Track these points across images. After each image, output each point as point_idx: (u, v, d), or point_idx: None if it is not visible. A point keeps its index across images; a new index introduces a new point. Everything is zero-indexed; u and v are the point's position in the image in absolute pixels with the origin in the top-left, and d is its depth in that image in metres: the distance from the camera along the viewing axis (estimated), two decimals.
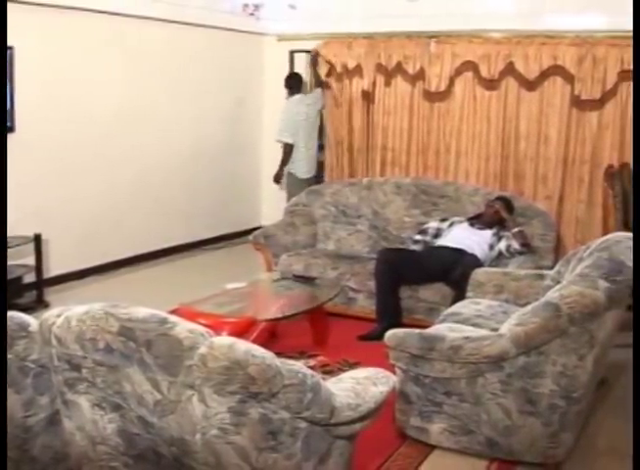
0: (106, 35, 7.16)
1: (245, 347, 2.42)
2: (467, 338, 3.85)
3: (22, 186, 6.32)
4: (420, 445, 4.06)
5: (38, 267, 6.51)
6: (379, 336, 4.73)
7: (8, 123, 6.23)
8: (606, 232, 5.49)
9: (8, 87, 6.19)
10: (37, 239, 6.47)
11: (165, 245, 8.25)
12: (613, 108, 7.17)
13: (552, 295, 3.82)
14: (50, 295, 6.66)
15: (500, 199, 6.47)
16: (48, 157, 6.69)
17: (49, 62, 6.56)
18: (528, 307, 3.88)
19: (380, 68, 8.26)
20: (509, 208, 6.38)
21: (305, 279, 6.02)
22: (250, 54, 8.94)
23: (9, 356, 2.64)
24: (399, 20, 7.90)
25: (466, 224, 6.40)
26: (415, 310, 5.98)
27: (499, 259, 6.14)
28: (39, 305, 6.39)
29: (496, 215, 6.32)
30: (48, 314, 2.69)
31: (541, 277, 5.02)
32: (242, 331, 4.78)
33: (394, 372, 3.87)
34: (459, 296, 5.45)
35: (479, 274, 5.46)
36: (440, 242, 6.31)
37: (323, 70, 8.57)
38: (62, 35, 6.71)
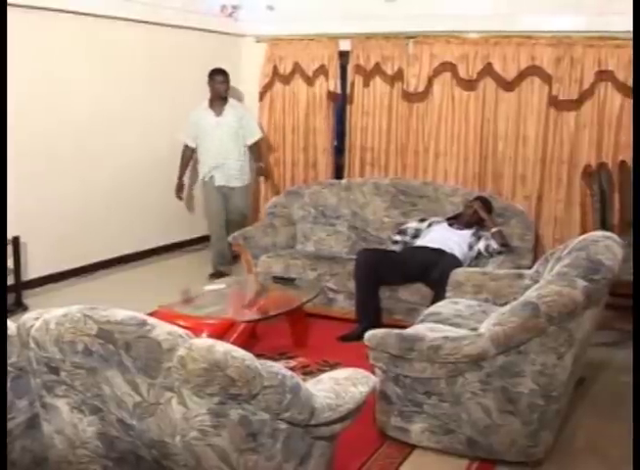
0: (82, 36, 7.11)
1: (224, 348, 2.42)
2: (446, 338, 3.87)
3: None
4: (401, 445, 4.07)
5: (16, 270, 6.47)
6: (358, 336, 4.73)
7: None
8: (584, 231, 5.51)
9: None
10: (15, 241, 6.43)
11: (144, 246, 8.21)
12: (590, 108, 7.20)
13: (531, 294, 3.84)
14: (28, 298, 6.62)
15: (479, 199, 6.50)
16: (25, 158, 6.64)
17: (24, 63, 6.50)
18: (507, 307, 3.90)
19: (358, 68, 8.28)
20: (488, 207, 6.41)
21: (285, 280, 6.03)
22: (228, 55, 8.90)
23: None
24: (377, 21, 7.91)
25: (445, 224, 6.42)
26: (395, 311, 5.99)
27: (478, 259, 6.17)
28: (18, 308, 6.34)
29: (475, 215, 6.34)
30: (26, 317, 2.68)
31: (520, 277, 5.04)
32: (221, 332, 4.78)
33: (374, 372, 3.88)
34: (438, 296, 5.46)
35: (458, 274, 5.48)
36: (420, 242, 6.32)
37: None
38: (37, 36, 6.65)
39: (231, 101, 7.85)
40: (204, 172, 7.84)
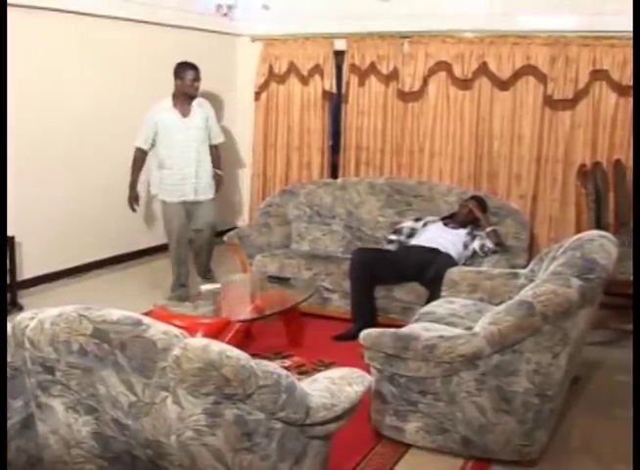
0: (77, 36, 7.11)
1: (219, 348, 2.42)
2: (441, 337, 3.87)
3: None
4: (396, 444, 4.07)
5: (12, 270, 6.46)
6: (354, 336, 4.74)
7: None
8: (579, 231, 5.51)
9: None
10: (10, 241, 6.42)
11: (139, 246, 8.20)
12: (585, 107, 7.22)
13: (526, 293, 3.84)
14: (23, 297, 6.62)
15: (474, 198, 6.50)
16: (20, 158, 6.64)
17: (20, 62, 6.50)
18: (502, 306, 3.90)
19: (353, 68, 8.28)
20: (482, 207, 6.41)
21: (280, 280, 6.03)
22: (223, 54, 8.91)
23: None
24: (372, 20, 7.92)
25: (440, 224, 6.42)
26: (390, 310, 5.99)
27: (473, 259, 6.17)
28: (13, 307, 6.34)
29: (470, 215, 6.34)
30: (21, 317, 2.68)
31: (515, 276, 5.05)
32: (216, 332, 4.78)
33: (370, 372, 3.88)
34: (434, 295, 5.47)
35: (453, 273, 5.49)
36: (415, 241, 6.32)
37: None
38: (33, 36, 6.65)
39: (198, 98, 6.83)
40: (162, 186, 6.79)
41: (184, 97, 6.68)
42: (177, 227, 6.82)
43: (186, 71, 6.63)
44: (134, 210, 6.89)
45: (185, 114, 6.70)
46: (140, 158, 6.78)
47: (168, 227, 6.90)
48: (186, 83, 6.62)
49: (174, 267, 6.99)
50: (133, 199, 6.82)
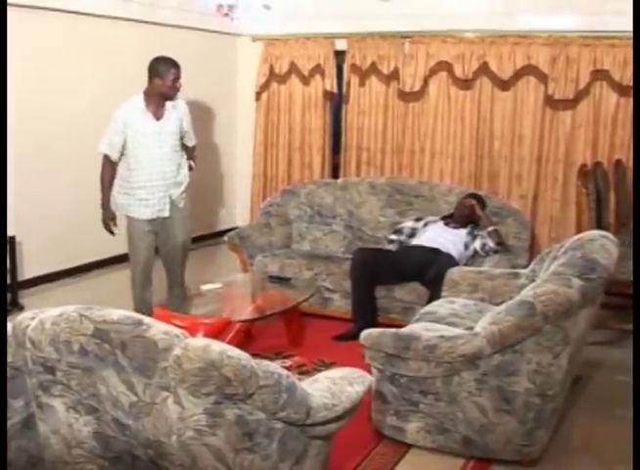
0: (77, 36, 7.11)
1: (220, 348, 2.42)
2: (442, 337, 3.87)
3: None
4: (396, 444, 4.07)
5: (12, 270, 6.46)
6: (354, 336, 4.73)
7: None
8: (580, 231, 5.52)
9: None
10: (11, 241, 6.42)
11: None
12: (586, 107, 7.21)
13: (526, 293, 3.84)
14: (24, 297, 6.61)
15: (473, 196, 6.49)
16: (20, 158, 6.63)
17: (19, 62, 6.50)
18: (503, 306, 3.90)
19: (354, 68, 8.28)
20: (482, 205, 6.40)
21: (281, 280, 6.03)
22: (224, 54, 8.90)
23: None
24: (373, 20, 7.91)
25: (441, 223, 6.42)
26: (390, 310, 5.99)
27: (474, 258, 6.17)
28: (13, 307, 6.33)
29: (470, 212, 6.34)
30: (22, 317, 2.68)
31: (516, 276, 5.06)
32: (217, 332, 4.78)
33: (370, 372, 3.88)
34: (434, 295, 5.47)
35: (454, 273, 5.50)
36: (416, 241, 6.32)
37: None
38: (33, 35, 6.65)
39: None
40: (129, 201, 5.75)
41: (160, 98, 5.69)
42: (139, 248, 5.89)
43: (168, 70, 5.68)
44: (112, 232, 5.85)
45: (158, 117, 5.68)
46: (109, 170, 5.74)
47: (130, 245, 5.97)
48: (167, 83, 5.64)
49: (133, 294, 5.71)
50: (109, 219, 5.78)
